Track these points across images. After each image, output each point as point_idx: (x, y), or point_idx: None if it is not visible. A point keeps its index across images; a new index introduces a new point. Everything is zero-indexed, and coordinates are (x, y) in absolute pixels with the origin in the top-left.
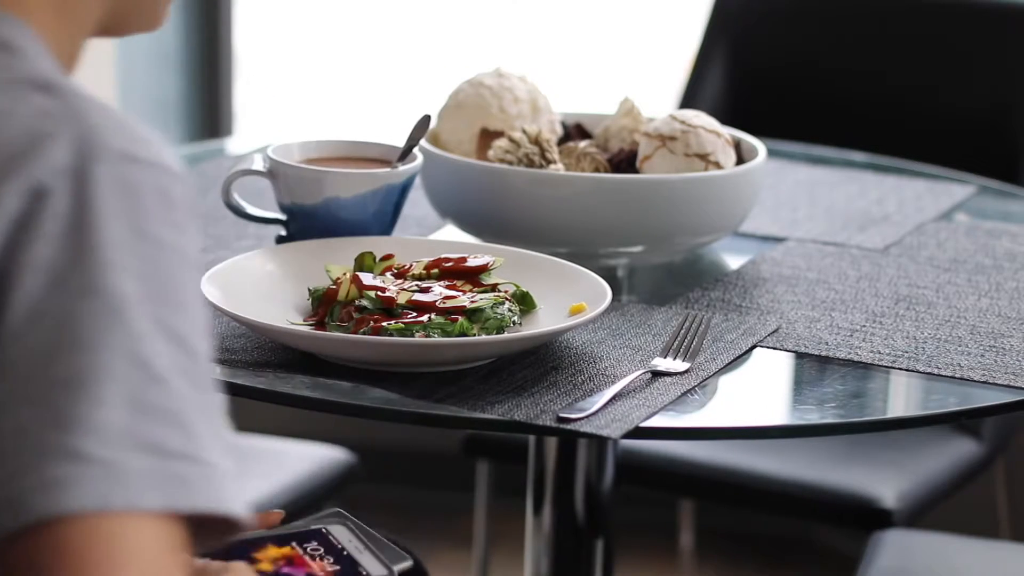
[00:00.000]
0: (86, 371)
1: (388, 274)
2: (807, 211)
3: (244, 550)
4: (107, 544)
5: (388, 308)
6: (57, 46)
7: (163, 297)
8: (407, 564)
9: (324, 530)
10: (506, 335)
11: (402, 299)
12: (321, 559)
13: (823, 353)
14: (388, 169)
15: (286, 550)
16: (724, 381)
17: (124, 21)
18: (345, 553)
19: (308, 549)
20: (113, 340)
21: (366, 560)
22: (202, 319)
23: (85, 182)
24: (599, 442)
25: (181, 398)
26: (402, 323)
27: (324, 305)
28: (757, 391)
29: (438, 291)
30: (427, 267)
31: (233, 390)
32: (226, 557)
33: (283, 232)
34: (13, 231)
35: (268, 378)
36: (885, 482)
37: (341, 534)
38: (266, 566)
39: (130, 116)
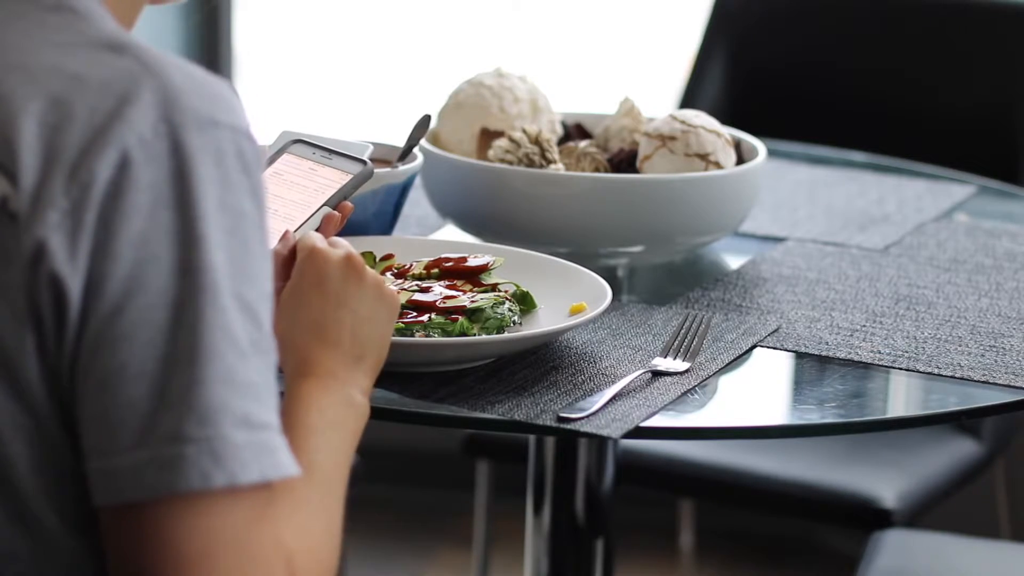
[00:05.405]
0: (189, 349)
1: (388, 274)
2: (807, 211)
3: None
4: (204, 529)
5: None
6: (118, 11)
7: (242, 270)
8: (370, 149)
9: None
10: (506, 335)
11: (402, 299)
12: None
13: (823, 353)
14: (388, 169)
15: None
16: (724, 381)
17: None
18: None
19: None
20: (212, 317)
21: (338, 164)
22: (267, 285)
23: (179, 151)
24: (599, 442)
25: (256, 370)
26: (402, 323)
27: None
28: (757, 391)
29: (438, 291)
30: (427, 267)
31: None
32: None
33: None
34: (106, 202)
35: None
36: (885, 482)
37: (304, 152)
38: None
39: (198, 68)
